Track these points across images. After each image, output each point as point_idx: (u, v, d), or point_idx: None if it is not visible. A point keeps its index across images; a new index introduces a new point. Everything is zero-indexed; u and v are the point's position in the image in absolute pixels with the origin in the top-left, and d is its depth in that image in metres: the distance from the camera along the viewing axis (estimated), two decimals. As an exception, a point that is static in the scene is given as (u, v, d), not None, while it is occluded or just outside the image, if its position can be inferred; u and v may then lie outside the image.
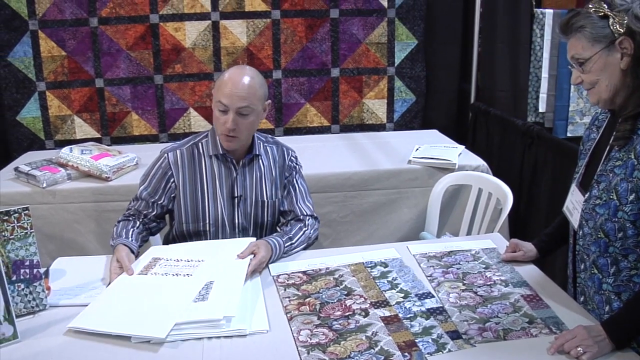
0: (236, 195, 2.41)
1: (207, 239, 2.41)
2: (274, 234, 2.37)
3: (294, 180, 2.52)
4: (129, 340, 1.72)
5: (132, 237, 2.27)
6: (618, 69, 1.70)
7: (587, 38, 1.71)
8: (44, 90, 4.09)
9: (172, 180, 2.38)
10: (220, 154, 2.38)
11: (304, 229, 2.41)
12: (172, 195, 2.39)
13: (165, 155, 2.39)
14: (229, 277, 2.00)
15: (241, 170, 2.41)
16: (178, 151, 2.39)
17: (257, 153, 2.43)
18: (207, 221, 2.40)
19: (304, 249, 2.40)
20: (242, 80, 2.28)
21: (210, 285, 1.96)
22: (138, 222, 2.36)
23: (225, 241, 2.35)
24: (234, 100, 2.25)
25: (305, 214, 2.48)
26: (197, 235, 2.42)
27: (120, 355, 1.67)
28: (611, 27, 1.67)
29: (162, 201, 2.39)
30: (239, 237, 2.42)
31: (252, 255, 2.14)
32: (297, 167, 2.55)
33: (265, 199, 2.45)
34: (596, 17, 1.69)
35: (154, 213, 2.39)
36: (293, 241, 2.35)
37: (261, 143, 2.48)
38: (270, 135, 2.59)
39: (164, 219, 2.47)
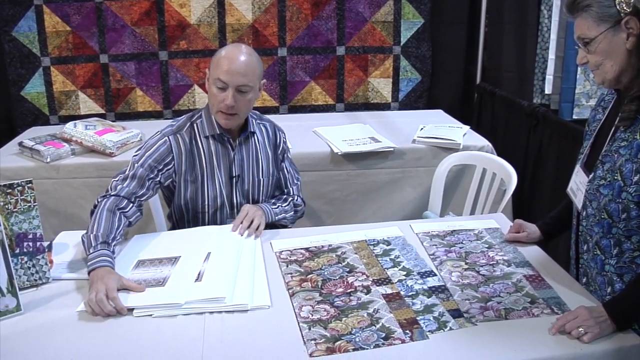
0: (234, 175, 2.40)
1: (205, 220, 2.41)
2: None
3: (285, 164, 2.57)
4: (132, 314, 1.73)
5: (117, 241, 2.04)
6: (624, 49, 1.68)
7: (592, 17, 1.69)
8: (48, 66, 4.08)
9: (172, 164, 2.32)
10: (217, 134, 2.36)
11: (289, 200, 2.55)
12: (169, 178, 2.34)
13: (167, 139, 2.32)
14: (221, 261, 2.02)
15: (238, 149, 2.41)
16: (179, 136, 2.33)
17: (252, 130, 2.44)
18: (207, 202, 2.39)
19: (293, 218, 2.54)
20: (240, 57, 2.27)
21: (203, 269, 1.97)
22: (123, 218, 2.12)
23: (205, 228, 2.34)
24: (234, 78, 2.24)
25: (292, 194, 2.58)
26: (195, 216, 2.41)
27: (122, 329, 1.68)
28: (617, 6, 1.65)
29: (159, 178, 2.29)
30: (236, 216, 2.40)
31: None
32: (287, 148, 2.60)
33: (261, 177, 2.47)
34: None
35: (147, 195, 2.27)
36: (276, 205, 2.47)
37: (254, 120, 2.48)
38: (259, 113, 2.59)
39: (142, 207, 2.29)
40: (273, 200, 2.51)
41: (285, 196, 2.56)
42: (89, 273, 1.87)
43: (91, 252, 1.93)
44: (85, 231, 2.03)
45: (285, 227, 2.53)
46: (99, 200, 2.17)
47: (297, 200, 2.57)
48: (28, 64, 4.06)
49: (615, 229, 1.75)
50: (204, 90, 4.26)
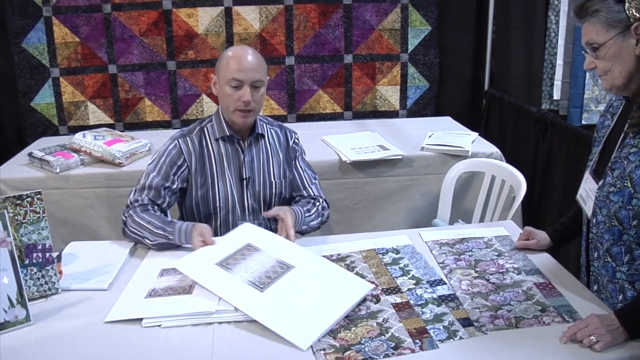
0: (245, 177, 2.42)
1: (217, 221, 2.42)
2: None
3: (299, 163, 2.57)
4: (140, 324, 1.73)
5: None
6: (633, 55, 1.67)
7: (601, 23, 1.68)
8: (57, 77, 4.10)
9: (185, 165, 2.36)
10: (227, 136, 2.40)
11: (317, 204, 2.50)
12: (184, 180, 2.38)
13: (177, 142, 2.38)
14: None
15: (248, 150, 2.43)
16: (188, 138, 2.39)
17: (261, 132, 2.46)
18: (218, 204, 2.40)
19: (318, 226, 2.50)
20: (248, 55, 2.34)
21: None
22: (159, 212, 2.31)
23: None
24: (249, 74, 2.31)
25: (314, 195, 2.55)
26: (207, 217, 2.43)
27: (132, 339, 1.67)
28: (627, 12, 1.64)
29: (175, 186, 2.34)
30: (249, 218, 2.43)
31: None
32: (301, 149, 2.60)
33: (273, 179, 2.48)
34: (612, 1, 1.66)
35: (166, 202, 2.34)
36: (310, 213, 2.44)
37: (264, 124, 2.51)
38: (270, 118, 2.61)
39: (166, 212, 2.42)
40: (311, 214, 2.43)
41: (313, 200, 2.52)
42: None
43: (170, 236, 2.17)
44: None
45: None
46: (126, 215, 2.28)
47: (323, 204, 2.53)
48: (37, 75, 4.08)
49: (626, 236, 1.74)
50: (212, 100, 4.27)
